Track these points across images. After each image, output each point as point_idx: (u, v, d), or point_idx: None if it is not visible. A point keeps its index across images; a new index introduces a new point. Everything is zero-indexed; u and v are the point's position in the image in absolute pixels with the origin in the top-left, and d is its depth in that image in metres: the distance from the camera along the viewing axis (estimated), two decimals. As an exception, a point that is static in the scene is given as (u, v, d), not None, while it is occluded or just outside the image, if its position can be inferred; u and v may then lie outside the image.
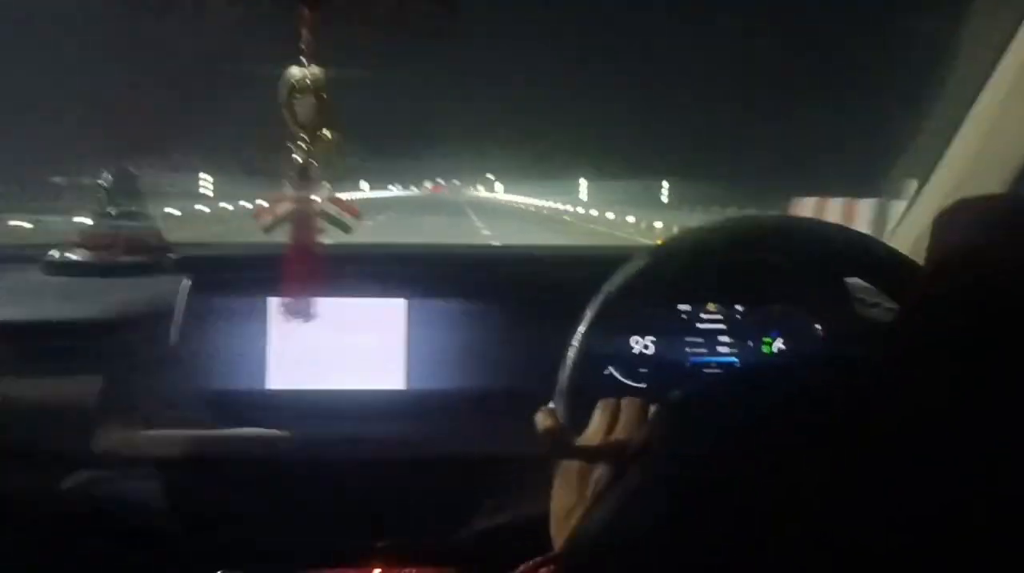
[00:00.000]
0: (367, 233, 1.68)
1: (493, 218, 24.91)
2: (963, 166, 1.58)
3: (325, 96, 1.20)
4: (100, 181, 1.59)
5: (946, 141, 1.60)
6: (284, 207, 1.59)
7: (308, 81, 1.12)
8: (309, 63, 1.11)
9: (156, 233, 1.61)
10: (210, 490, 1.38)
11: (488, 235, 17.44)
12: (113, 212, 1.57)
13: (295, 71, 1.08)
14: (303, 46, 1.12)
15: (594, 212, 26.86)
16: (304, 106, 1.17)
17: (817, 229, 1.45)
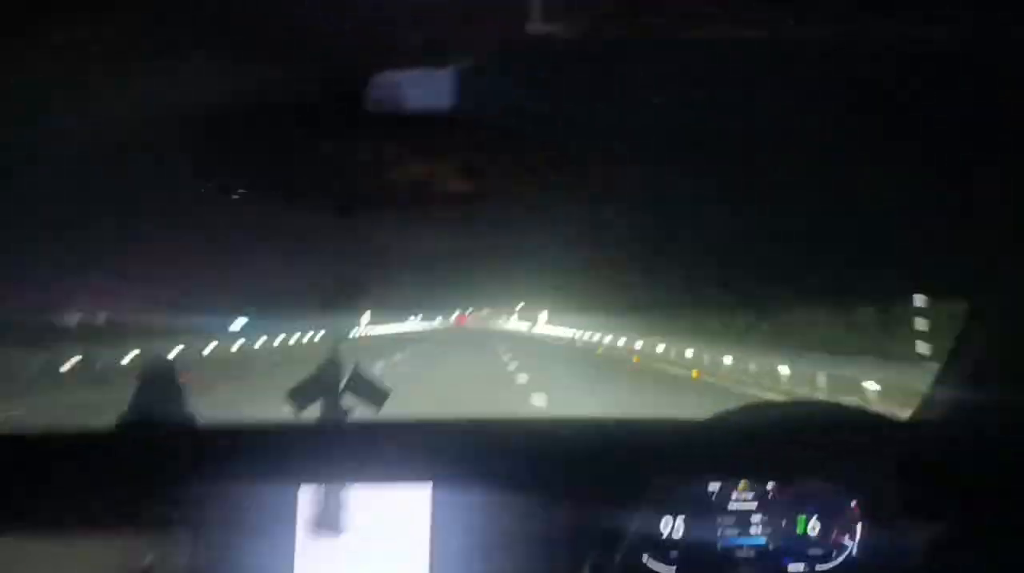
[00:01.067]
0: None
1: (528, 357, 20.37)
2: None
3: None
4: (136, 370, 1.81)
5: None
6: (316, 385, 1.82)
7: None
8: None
9: (188, 414, 1.80)
10: None
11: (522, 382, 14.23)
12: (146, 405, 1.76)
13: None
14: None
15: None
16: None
17: (840, 411, 1.63)
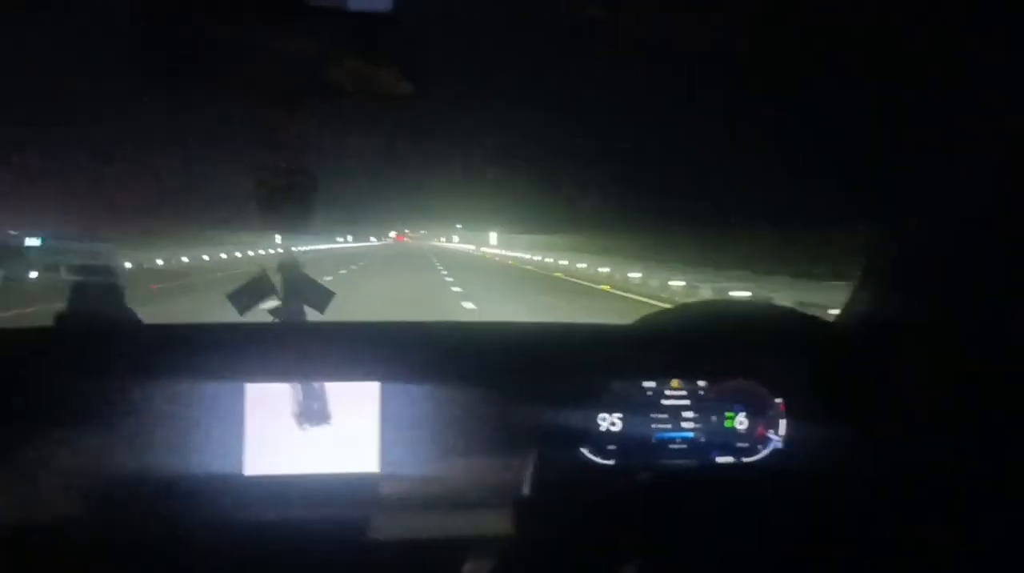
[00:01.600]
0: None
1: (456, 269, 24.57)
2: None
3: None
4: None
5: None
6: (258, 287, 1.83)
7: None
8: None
9: (131, 316, 1.82)
10: None
11: (450, 281, 17.82)
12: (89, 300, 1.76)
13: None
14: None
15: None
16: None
17: (768, 312, 1.72)
